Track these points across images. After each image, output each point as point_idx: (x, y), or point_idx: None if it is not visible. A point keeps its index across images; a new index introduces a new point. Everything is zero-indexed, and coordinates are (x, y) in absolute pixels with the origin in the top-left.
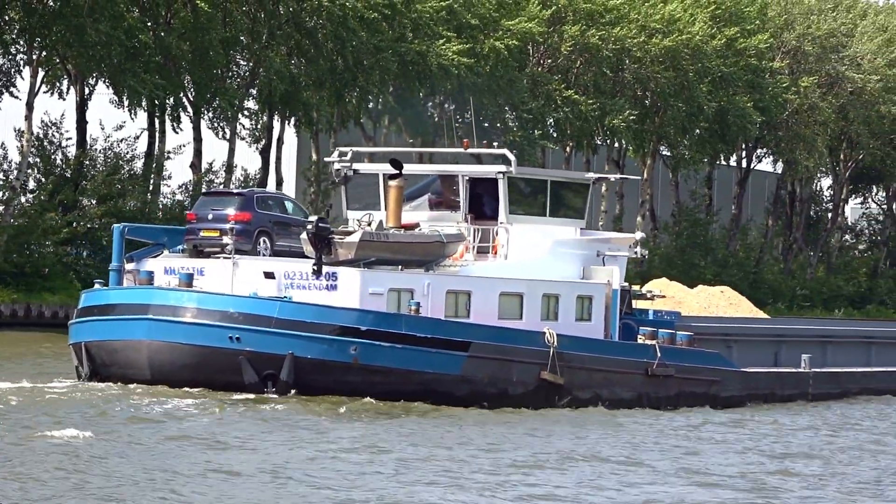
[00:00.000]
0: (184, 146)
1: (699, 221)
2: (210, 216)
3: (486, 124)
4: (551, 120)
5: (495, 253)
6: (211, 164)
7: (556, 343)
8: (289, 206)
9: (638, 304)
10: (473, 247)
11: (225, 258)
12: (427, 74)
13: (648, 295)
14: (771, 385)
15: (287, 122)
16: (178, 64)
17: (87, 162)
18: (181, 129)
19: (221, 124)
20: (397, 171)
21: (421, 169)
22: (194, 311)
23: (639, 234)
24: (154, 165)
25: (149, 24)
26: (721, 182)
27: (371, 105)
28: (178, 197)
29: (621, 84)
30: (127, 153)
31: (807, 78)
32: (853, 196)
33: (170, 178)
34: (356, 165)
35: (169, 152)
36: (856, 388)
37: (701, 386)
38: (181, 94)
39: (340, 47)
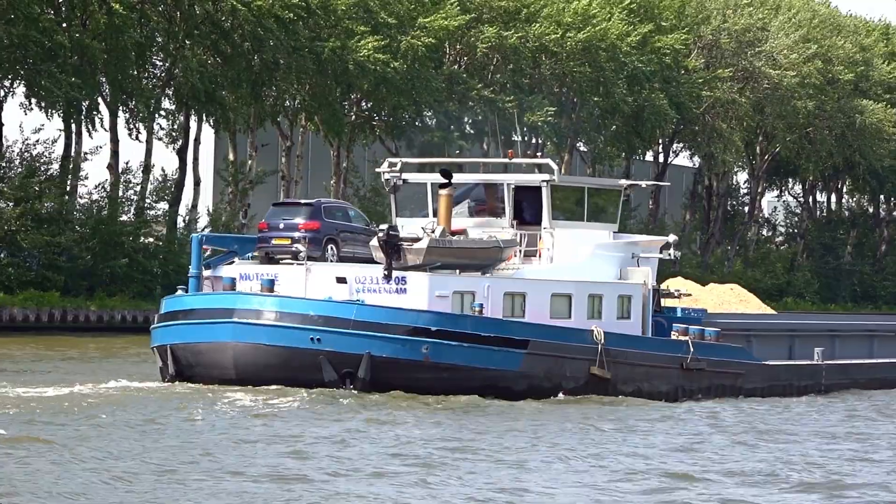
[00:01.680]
0: (100, 147)
1: None
2: (281, 225)
3: (403, 123)
4: (468, 119)
5: (539, 256)
6: (128, 163)
7: (603, 340)
8: (352, 214)
9: (665, 302)
10: (520, 251)
11: (298, 264)
12: (344, 73)
13: (676, 294)
14: (789, 377)
15: (204, 121)
16: (94, 65)
17: (4, 164)
18: (97, 131)
19: (137, 126)
20: (447, 181)
21: (470, 178)
22: (277, 315)
23: (671, 237)
24: (71, 167)
25: (64, 25)
26: (638, 177)
27: (288, 104)
28: (95, 197)
29: (539, 80)
30: (43, 155)
31: (723, 70)
32: (769, 190)
33: (86, 178)
34: (405, 175)
35: (86, 153)
36: (863, 380)
37: (729, 379)
38: (96, 96)
39: (257, 47)
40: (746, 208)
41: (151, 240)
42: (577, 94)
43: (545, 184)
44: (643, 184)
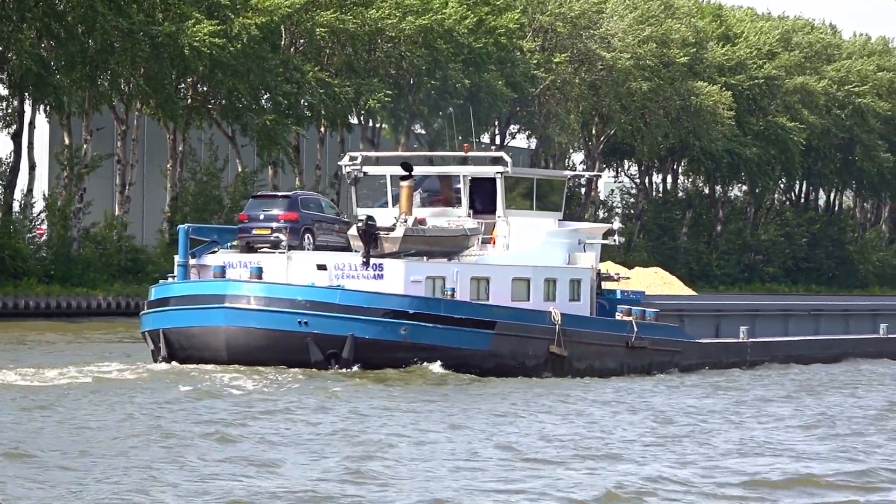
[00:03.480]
0: None
1: None
2: (261, 216)
3: (240, 106)
4: (305, 102)
5: (493, 243)
6: None
7: (560, 321)
8: (324, 204)
9: (605, 284)
10: (478, 238)
11: (280, 253)
12: (179, 56)
13: (615, 277)
14: (719, 354)
15: (38, 106)
16: None
17: None
18: None
19: None
20: (409, 173)
21: (428, 170)
22: (266, 300)
23: (616, 225)
24: None
25: None
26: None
27: (123, 88)
28: None
29: (375, 63)
30: None
31: (558, 55)
32: (605, 170)
33: None
34: (365, 168)
35: None
36: (781, 356)
37: (668, 356)
38: None
39: (90, 30)
40: (583, 189)
41: None
42: (414, 77)
43: (500, 175)
44: (584, 175)
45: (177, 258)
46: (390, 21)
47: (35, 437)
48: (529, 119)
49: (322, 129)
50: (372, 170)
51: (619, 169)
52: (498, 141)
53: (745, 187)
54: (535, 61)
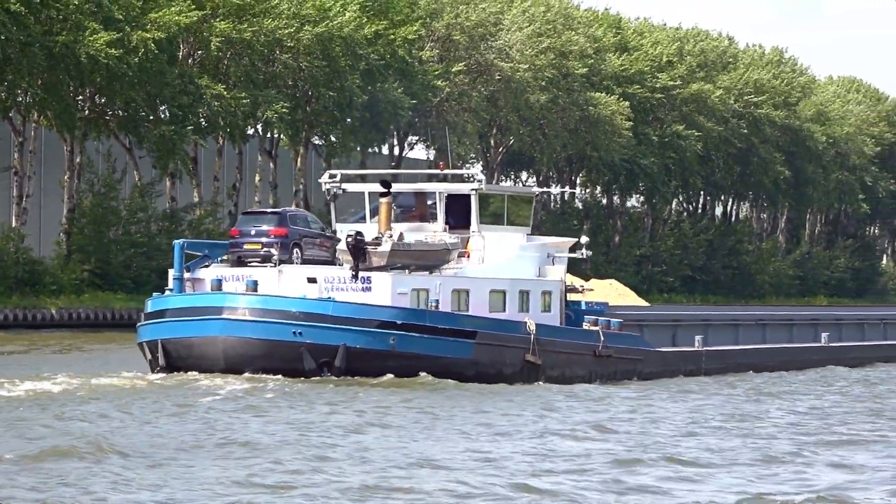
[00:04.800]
0: None
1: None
2: (252, 232)
3: (137, 117)
4: (202, 114)
5: (468, 257)
6: None
7: (535, 331)
8: (310, 220)
9: (570, 296)
10: (457, 252)
11: (271, 266)
12: (76, 67)
13: (580, 289)
14: (677, 362)
15: None
16: None
17: None
18: None
19: None
20: (387, 190)
21: (405, 187)
22: (261, 311)
23: (584, 239)
24: None
25: None
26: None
27: (20, 99)
28: None
29: (273, 75)
30: None
31: (456, 64)
32: (504, 181)
33: None
34: (344, 185)
35: None
36: (733, 364)
37: (631, 364)
38: None
39: None
40: None
41: None
42: (312, 88)
43: (474, 192)
44: (554, 191)
45: (171, 272)
46: (288, 31)
47: None
48: (428, 129)
49: (220, 141)
50: (351, 187)
51: (518, 180)
52: (397, 152)
53: (642, 198)
54: (435, 72)
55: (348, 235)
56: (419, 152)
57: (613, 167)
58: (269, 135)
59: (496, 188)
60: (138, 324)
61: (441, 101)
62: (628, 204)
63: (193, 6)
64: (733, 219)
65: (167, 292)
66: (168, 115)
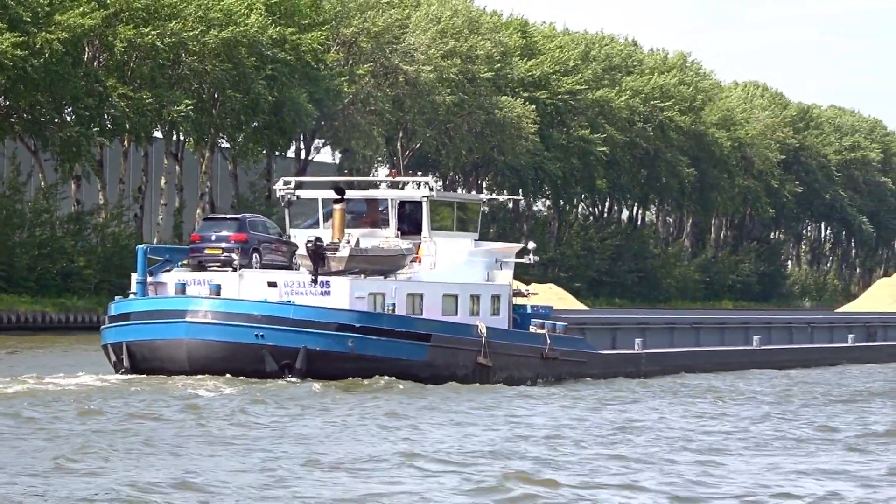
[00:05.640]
0: None
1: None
2: (213, 237)
3: (42, 120)
4: (108, 115)
5: (419, 262)
6: None
7: (485, 334)
8: (268, 226)
9: (516, 299)
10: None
11: (232, 270)
12: None
13: (525, 293)
14: (618, 364)
15: None
16: None
17: None
18: None
19: None
20: (340, 197)
21: (358, 194)
22: (224, 314)
23: (531, 245)
24: None
25: None
26: (281, 173)
27: None
28: None
29: (178, 77)
30: None
31: (362, 66)
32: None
33: None
34: (298, 191)
35: None
36: (671, 366)
37: (576, 366)
38: None
39: None
40: None
41: None
42: (218, 91)
43: (426, 199)
44: (500, 198)
45: (134, 276)
46: (193, 33)
47: None
48: (334, 133)
49: (126, 143)
50: (305, 193)
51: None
52: (303, 156)
53: (548, 202)
54: (342, 78)
55: (308, 241)
56: (325, 155)
57: (519, 171)
58: (175, 137)
59: (446, 195)
60: (102, 327)
61: (347, 103)
62: (534, 208)
63: (98, 7)
64: (639, 223)
65: (130, 296)
66: (74, 116)
